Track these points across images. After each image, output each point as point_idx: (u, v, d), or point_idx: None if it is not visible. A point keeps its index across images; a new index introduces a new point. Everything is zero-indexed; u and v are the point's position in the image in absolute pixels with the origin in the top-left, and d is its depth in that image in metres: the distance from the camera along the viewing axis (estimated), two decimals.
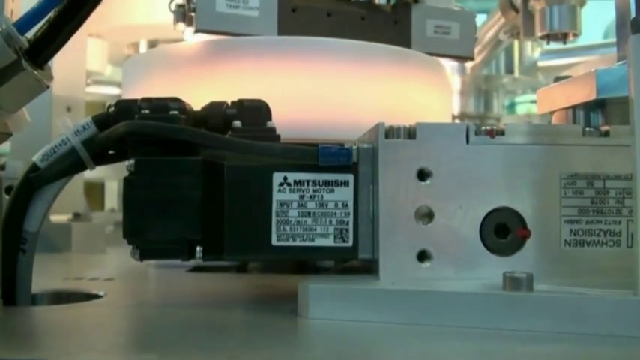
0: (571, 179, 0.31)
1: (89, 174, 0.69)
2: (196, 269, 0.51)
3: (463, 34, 0.54)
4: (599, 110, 0.37)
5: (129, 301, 0.38)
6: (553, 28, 0.67)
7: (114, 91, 1.04)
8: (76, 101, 0.74)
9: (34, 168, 0.34)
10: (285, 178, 0.31)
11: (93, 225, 0.72)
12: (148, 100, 0.33)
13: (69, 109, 0.72)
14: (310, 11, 0.49)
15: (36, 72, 0.31)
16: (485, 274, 0.30)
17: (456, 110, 0.88)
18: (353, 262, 0.37)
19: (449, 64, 0.58)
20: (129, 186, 0.31)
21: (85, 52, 0.78)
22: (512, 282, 0.27)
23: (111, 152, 0.35)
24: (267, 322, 0.29)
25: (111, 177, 1.17)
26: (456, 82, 0.89)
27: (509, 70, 0.91)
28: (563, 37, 0.68)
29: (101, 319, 0.31)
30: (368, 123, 0.34)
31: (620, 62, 0.36)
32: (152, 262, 0.52)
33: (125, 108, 0.33)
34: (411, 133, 0.31)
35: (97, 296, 0.38)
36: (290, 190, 0.31)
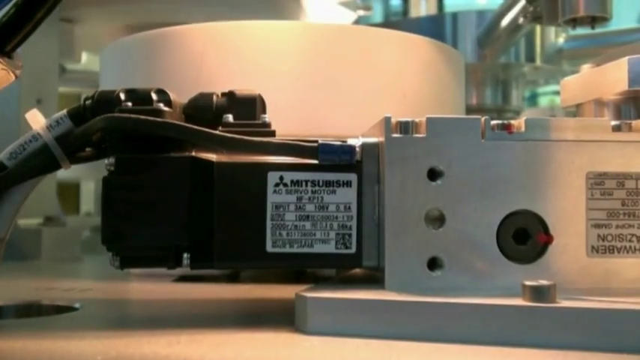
0: (599, 179, 0.31)
1: (63, 173, 0.69)
2: (183, 279, 0.51)
3: None
4: (632, 103, 0.37)
5: (107, 314, 0.38)
6: (579, 11, 0.67)
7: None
8: (47, 93, 0.74)
9: (0, 167, 0.34)
10: (281, 178, 0.31)
11: (67, 230, 0.72)
12: (129, 92, 0.33)
13: (39, 102, 0.72)
14: None
15: (3, 61, 0.31)
16: (503, 283, 0.30)
17: (471, 103, 0.88)
18: (356, 270, 0.37)
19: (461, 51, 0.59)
20: (108, 186, 0.31)
21: (57, 39, 0.78)
22: (533, 293, 0.27)
23: (88, 149, 0.35)
24: (261, 338, 0.29)
25: (87, 177, 1.17)
26: (470, 71, 0.89)
27: (530, 58, 0.91)
28: (592, 22, 0.68)
29: (75, 335, 0.31)
30: (373, 117, 0.34)
31: None
32: (134, 271, 0.52)
33: (104, 100, 0.33)
34: (420, 127, 0.31)
35: (71, 309, 0.38)
36: (287, 190, 0.31)
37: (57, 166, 0.34)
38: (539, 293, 0.27)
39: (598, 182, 0.31)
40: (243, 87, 0.36)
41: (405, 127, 0.31)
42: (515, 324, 0.27)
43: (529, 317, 0.27)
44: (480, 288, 0.30)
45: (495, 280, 0.30)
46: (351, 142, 0.32)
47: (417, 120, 0.31)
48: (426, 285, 0.30)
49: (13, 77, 0.31)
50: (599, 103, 0.39)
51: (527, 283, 0.28)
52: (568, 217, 0.31)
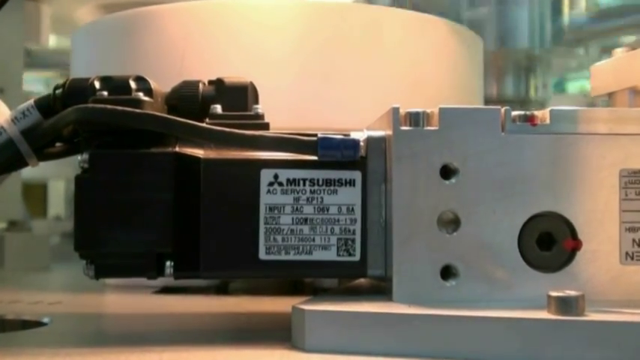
0: (634, 177, 0.31)
1: (29, 172, 0.69)
2: (166, 290, 0.51)
3: None
4: None
5: (80, 330, 0.38)
6: None
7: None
8: (11, 81, 0.74)
9: None
10: (275, 176, 0.32)
11: (33, 236, 0.72)
12: (105, 79, 0.33)
13: (2, 91, 0.73)
14: None
15: None
16: (525, 294, 0.30)
17: (490, 93, 0.88)
18: (360, 280, 0.37)
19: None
20: (81, 186, 0.31)
21: (21, 20, 0.78)
22: (559, 304, 0.27)
23: (58, 144, 0.35)
24: (253, 356, 0.29)
25: (56, 176, 1.17)
26: (490, 56, 0.89)
27: (557, 41, 0.91)
28: None
29: (44, 353, 0.31)
30: (379, 107, 0.34)
31: None
32: (110, 281, 0.52)
33: (76, 89, 0.34)
34: (432, 119, 0.31)
35: (39, 324, 0.38)
36: (282, 190, 0.32)
37: (23, 164, 0.34)
38: (565, 305, 0.27)
39: (633, 180, 0.31)
40: (233, 74, 0.36)
41: (416, 119, 0.31)
42: (539, 339, 0.27)
43: (555, 332, 0.27)
44: (499, 299, 0.30)
45: (517, 291, 0.31)
46: (354, 135, 0.32)
47: (428, 111, 0.31)
48: (439, 296, 0.30)
49: None
50: (635, 92, 0.39)
51: (553, 293, 0.28)
52: (599, 220, 0.31)
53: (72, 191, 0.32)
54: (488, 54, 0.76)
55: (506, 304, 0.29)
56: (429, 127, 0.31)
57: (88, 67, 0.53)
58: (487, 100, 0.70)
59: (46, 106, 0.34)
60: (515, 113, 0.31)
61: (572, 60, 0.98)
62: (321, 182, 0.32)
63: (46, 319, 0.38)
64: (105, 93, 0.33)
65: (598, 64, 0.42)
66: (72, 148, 0.35)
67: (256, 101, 0.36)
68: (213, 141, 0.32)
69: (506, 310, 0.28)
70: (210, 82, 0.36)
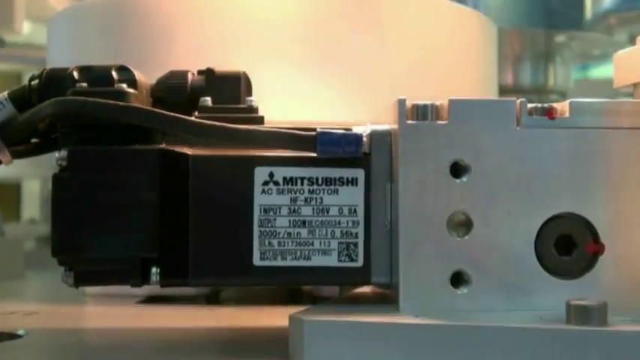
0: None
1: (1, 171, 0.69)
2: (151, 300, 0.51)
3: None
4: None
5: (57, 343, 0.38)
6: None
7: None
8: None
9: None
10: (271, 175, 0.32)
11: (6, 240, 0.72)
12: (85, 70, 0.34)
13: None
14: None
15: None
16: (543, 303, 0.30)
17: (505, 82, 0.88)
18: (364, 288, 0.38)
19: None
20: (59, 185, 0.31)
21: None
22: (580, 314, 0.28)
23: (34, 140, 0.36)
24: None
25: (31, 175, 1.17)
26: (504, 42, 0.89)
27: (579, 25, 0.91)
28: None
29: None
30: (383, 100, 0.34)
31: None
32: (91, 290, 0.52)
33: (54, 80, 0.34)
34: (441, 112, 0.31)
35: (13, 336, 0.38)
36: (278, 190, 0.32)
37: None
38: (586, 315, 0.27)
39: None
40: (224, 63, 0.36)
41: (424, 112, 0.31)
42: (557, 352, 0.27)
43: (575, 344, 0.27)
44: (514, 308, 0.30)
45: (533, 299, 0.31)
46: (356, 130, 0.32)
47: (437, 103, 0.31)
48: (450, 305, 0.31)
49: None
50: None
51: (573, 302, 0.28)
52: (623, 222, 0.31)
53: (48, 191, 0.32)
54: (504, 36, 0.76)
55: (522, 314, 0.30)
56: (438, 121, 0.31)
57: (66, 56, 0.53)
58: (502, 90, 0.69)
59: (21, 98, 0.34)
60: (531, 105, 0.31)
61: (596, 47, 0.98)
62: (320, 181, 0.32)
63: (21, 332, 0.39)
64: (85, 84, 0.33)
65: (622, 51, 0.42)
66: (49, 145, 0.35)
67: (250, 93, 0.36)
68: (202, 136, 0.32)
69: (521, 321, 0.28)
70: (200, 73, 0.36)
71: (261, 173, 0.32)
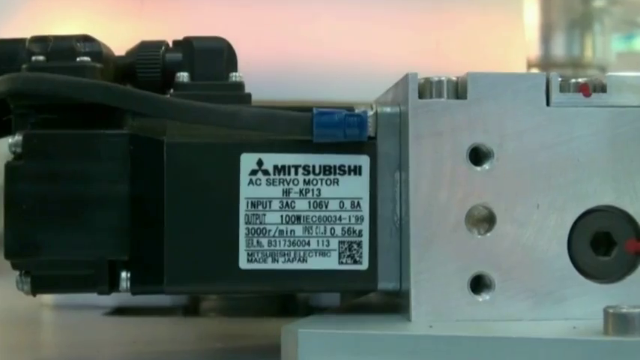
0: None
1: None
2: (120, 311, 0.51)
3: None
4: None
5: None
6: None
7: None
8: None
9: None
10: (259, 163, 0.32)
11: None
12: (41, 40, 0.34)
13: None
14: None
15: None
16: (577, 310, 0.31)
17: (535, 54, 0.87)
18: (369, 296, 0.38)
19: None
20: (13, 176, 0.31)
21: None
22: (619, 322, 0.28)
23: None
24: None
25: None
26: (535, 11, 0.89)
27: None
28: None
29: None
30: (392, 75, 0.34)
31: None
32: (49, 298, 0.53)
33: (5, 54, 0.34)
34: (459, 89, 0.32)
35: None
36: (268, 181, 0.32)
37: None
38: (627, 323, 0.28)
39: None
40: (205, 32, 0.36)
41: (438, 88, 0.31)
42: None
43: (614, 356, 0.27)
44: (544, 317, 0.31)
45: (566, 306, 0.31)
46: (360, 110, 0.32)
47: (454, 77, 0.32)
48: (469, 314, 0.31)
49: None
50: None
51: (611, 309, 0.28)
52: None
53: (0, 183, 0.32)
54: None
55: (552, 324, 0.30)
56: (455, 99, 0.31)
57: (18, 24, 0.52)
58: (530, 64, 0.69)
59: None
60: (564, 80, 0.32)
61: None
62: (317, 170, 0.32)
63: None
64: (42, 57, 0.33)
65: None
66: (0, 129, 0.36)
67: (234, 67, 0.36)
68: (179, 118, 0.32)
69: (552, 332, 0.29)
70: (176, 43, 0.36)
71: (248, 161, 0.32)
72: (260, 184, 0.32)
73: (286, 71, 0.47)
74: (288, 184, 0.32)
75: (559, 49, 0.89)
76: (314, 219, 0.32)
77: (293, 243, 0.32)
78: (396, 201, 0.32)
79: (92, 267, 0.32)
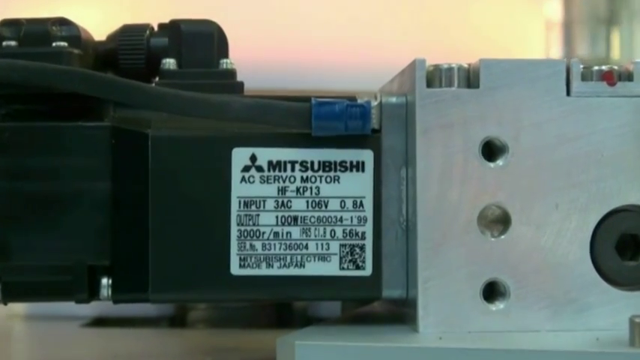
0: None
1: None
2: (100, 322, 0.51)
3: None
4: None
5: None
6: None
7: None
8: None
9: None
10: (253, 158, 0.32)
11: None
12: (13, 24, 0.34)
13: None
14: None
15: None
16: (600, 320, 0.31)
17: (557, 54, 0.87)
18: (373, 305, 0.38)
19: None
20: None
21: None
22: None
23: None
24: None
25: None
26: (558, 7, 0.89)
27: None
28: None
29: None
30: (397, 63, 0.34)
31: None
32: (21, 307, 0.52)
33: None
34: (471, 77, 0.32)
35: None
36: (262, 178, 0.32)
37: None
38: None
39: None
40: (193, 14, 0.36)
41: (448, 76, 0.32)
42: None
43: None
44: (564, 328, 0.31)
45: (588, 316, 0.31)
46: (363, 100, 0.32)
47: (465, 65, 0.32)
48: (482, 325, 0.31)
49: None
50: None
51: (637, 319, 0.28)
52: None
53: None
54: None
55: (573, 335, 0.30)
56: (467, 88, 0.32)
57: None
58: None
59: None
60: (585, 68, 0.32)
61: None
62: (316, 166, 0.32)
63: None
64: (14, 42, 0.33)
65: None
66: None
67: (225, 53, 0.36)
68: (165, 109, 0.32)
69: (573, 344, 0.29)
70: (162, 27, 0.36)
71: (240, 156, 0.32)
72: (253, 181, 0.32)
73: (282, 58, 0.47)
74: (284, 181, 0.32)
75: (582, 48, 0.89)
76: (312, 220, 0.32)
77: (289, 246, 0.32)
78: (402, 200, 0.32)
79: (69, 273, 0.32)
